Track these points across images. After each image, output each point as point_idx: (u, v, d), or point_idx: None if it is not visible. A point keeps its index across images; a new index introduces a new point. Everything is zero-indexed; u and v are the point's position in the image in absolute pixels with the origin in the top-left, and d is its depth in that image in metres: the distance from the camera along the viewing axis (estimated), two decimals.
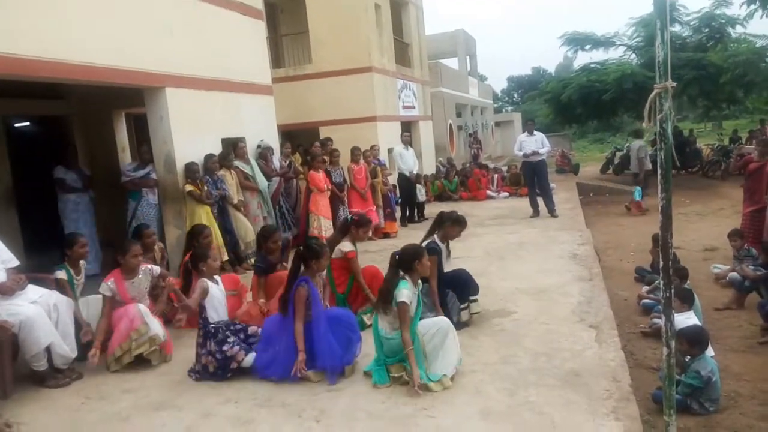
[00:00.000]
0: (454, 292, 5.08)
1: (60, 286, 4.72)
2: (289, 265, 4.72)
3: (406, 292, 3.89)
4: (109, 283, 4.59)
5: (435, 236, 5.16)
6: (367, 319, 5.02)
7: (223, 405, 3.86)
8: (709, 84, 16.02)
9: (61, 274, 4.76)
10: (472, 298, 5.14)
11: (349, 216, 5.85)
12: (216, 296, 4.41)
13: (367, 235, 5.71)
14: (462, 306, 5.05)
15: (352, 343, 4.25)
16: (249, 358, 4.23)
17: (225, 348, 4.22)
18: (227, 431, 3.52)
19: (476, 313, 5.17)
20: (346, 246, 5.27)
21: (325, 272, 4.62)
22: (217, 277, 4.60)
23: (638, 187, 12.97)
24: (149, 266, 4.93)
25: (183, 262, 5.56)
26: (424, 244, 4.85)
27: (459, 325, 4.80)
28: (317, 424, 3.51)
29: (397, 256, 4.16)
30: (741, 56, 15.32)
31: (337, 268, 5.27)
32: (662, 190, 2.71)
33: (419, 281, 4.18)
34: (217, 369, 4.22)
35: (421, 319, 4.11)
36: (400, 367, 3.95)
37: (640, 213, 12.29)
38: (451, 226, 5.19)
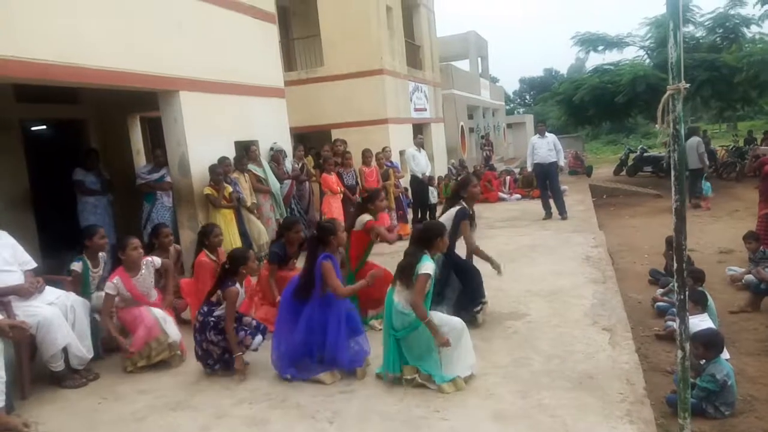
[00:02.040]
0: (464, 290, 5.09)
1: (72, 278, 4.80)
2: (300, 264, 4.77)
3: (429, 265, 3.94)
4: (114, 281, 4.58)
5: (462, 202, 5.23)
6: (378, 324, 5.01)
7: (237, 406, 3.89)
8: (723, 85, 15.84)
9: (76, 266, 4.84)
10: (484, 300, 5.13)
11: (360, 197, 5.87)
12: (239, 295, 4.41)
13: (384, 204, 5.70)
14: (476, 309, 5.05)
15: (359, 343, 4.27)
16: (257, 340, 4.36)
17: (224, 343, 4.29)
18: (242, 431, 3.55)
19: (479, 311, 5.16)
20: (365, 217, 5.34)
21: (342, 249, 4.73)
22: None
23: (708, 183, 12.92)
24: (149, 259, 4.91)
25: (196, 261, 5.58)
26: (454, 211, 5.03)
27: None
28: (330, 425, 3.53)
29: (419, 232, 4.23)
30: (755, 56, 15.14)
31: (354, 241, 5.30)
32: (676, 192, 2.70)
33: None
34: (218, 358, 4.33)
35: (432, 302, 4.14)
36: (411, 369, 3.95)
37: (706, 208, 12.33)
38: (474, 186, 5.27)
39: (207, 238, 5.71)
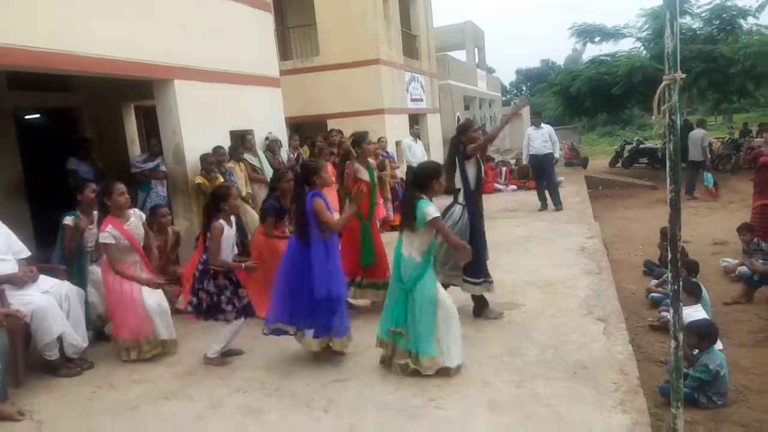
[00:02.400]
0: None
1: (66, 233, 4.77)
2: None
3: (431, 208, 3.84)
4: (108, 230, 4.47)
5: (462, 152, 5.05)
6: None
7: (232, 395, 3.90)
8: (720, 76, 15.85)
9: (68, 220, 4.82)
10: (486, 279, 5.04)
11: (349, 141, 5.82)
12: (227, 237, 4.36)
13: (372, 147, 5.63)
14: (476, 281, 4.95)
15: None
16: (236, 323, 4.39)
17: (222, 298, 4.32)
18: (237, 420, 3.56)
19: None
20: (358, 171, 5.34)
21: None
22: (233, 217, 4.51)
23: (709, 174, 13.05)
24: (135, 210, 4.84)
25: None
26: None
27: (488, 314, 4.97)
28: (326, 414, 3.54)
29: (413, 175, 4.18)
30: (752, 48, 15.13)
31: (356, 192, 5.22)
32: (671, 183, 2.70)
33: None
34: (209, 308, 4.34)
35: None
36: (404, 354, 3.94)
37: (712, 198, 12.60)
38: (474, 131, 5.11)
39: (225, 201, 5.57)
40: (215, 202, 4.40)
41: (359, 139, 5.44)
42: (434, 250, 4.10)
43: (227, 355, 4.58)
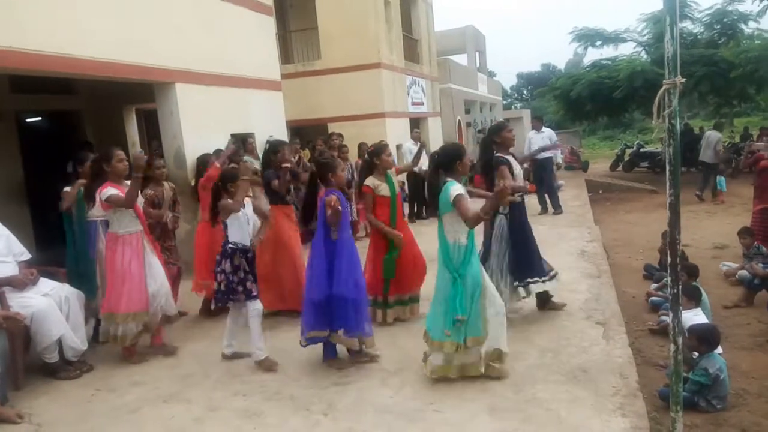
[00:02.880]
0: (516, 266, 4.91)
1: (64, 198, 4.82)
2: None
3: (457, 187, 3.75)
4: (108, 188, 4.41)
5: (495, 152, 4.97)
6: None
7: (231, 398, 3.90)
8: (721, 80, 15.86)
9: (67, 188, 4.85)
10: (531, 279, 4.96)
11: (368, 152, 5.64)
12: (240, 218, 4.32)
13: (391, 158, 5.28)
14: (519, 283, 4.90)
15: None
16: (254, 311, 4.32)
17: (235, 279, 4.28)
18: (235, 424, 3.56)
19: (524, 297, 5.05)
20: (366, 182, 5.16)
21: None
22: (246, 200, 4.44)
23: (722, 178, 13.09)
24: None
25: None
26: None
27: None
28: (325, 417, 3.54)
29: (436, 155, 4.07)
30: (753, 52, 15.15)
31: (376, 206, 5.11)
32: (670, 187, 2.70)
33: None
34: (226, 290, 4.31)
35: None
36: (475, 341, 3.81)
37: (720, 202, 12.58)
38: (508, 131, 5.03)
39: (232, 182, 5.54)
40: (223, 182, 4.37)
41: (378, 150, 5.21)
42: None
43: (235, 357, 4.53)
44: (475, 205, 3.81)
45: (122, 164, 4.55)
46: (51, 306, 4.23)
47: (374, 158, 5.17)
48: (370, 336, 4.22)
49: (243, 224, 4.38)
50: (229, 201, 4.26)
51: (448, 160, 3.93)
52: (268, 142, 8.88)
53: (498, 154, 4.98)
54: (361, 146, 9.79)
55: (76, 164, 4.99)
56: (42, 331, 4.16)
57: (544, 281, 5.01)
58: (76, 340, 4.39)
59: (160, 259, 4.83)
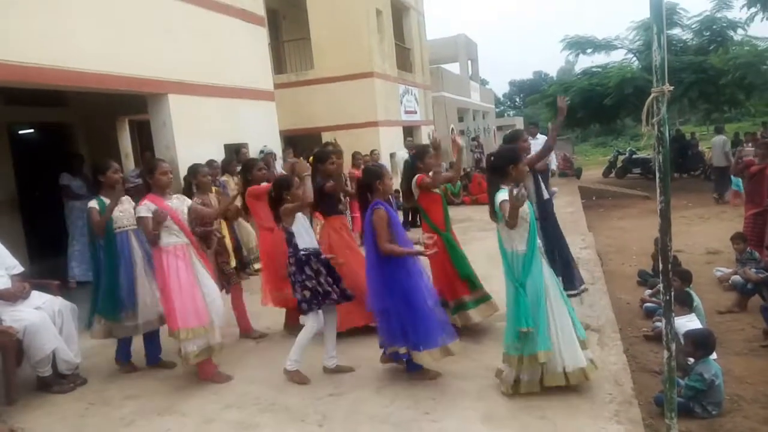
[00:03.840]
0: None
1: (91, 215, 4.48)
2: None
3: (501, 194, 3.66)
4: (145, 203, 4.19)
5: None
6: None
7: (225, 410, 3.88)
8: (710, 87, 16.03)
9: (92, 203, 4.52)
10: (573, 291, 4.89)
11: (410, 154, 5.40)
12: (302, 222, 4.21)
13: (438, 161, 5.02)
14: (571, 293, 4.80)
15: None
16: (311, 327, 4.15)
17: (324, 282, 4.12)
18: None
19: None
20: (419, 175, 4.91)
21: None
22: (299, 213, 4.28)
23: (738, 179, 13.07)
24: (179, 195, 4.60)
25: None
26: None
27: None
28: (320, 428, 3.52)
29: (491, 158, 3.96)
30: (741, 59, 15.33)
31: (425, 205, 4.93)
32: (661, 193, 2.73)
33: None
34: (311, 296, 4.10)
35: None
36: (536, 358, 3.61)
37: (737, 204, 12.38)
38: (524, 140, 4.98)
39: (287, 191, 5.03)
40: (277, 192, 4.23)
41: (422, 152, 5.01)
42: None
43: (338, 371, 4.31)
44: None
45: (165, 177, 4.31)
46: (44, 319, 4.20)
47: (419, 161, 4.98)
48: (456, 340, 4.02)
49: (308, 228, 4.28)
50: (288, 206, 4.12)
51: (501, 164, 3.80)
52: (262, 152, 8.89)
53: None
54: (355, 156, 9.80)
55: (97, 173, 4.63)
56: (35, 345, 4.13)
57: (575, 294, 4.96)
58: (70, 353, 4.35)
59: (212, 273, 4.55)
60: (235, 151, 8.26)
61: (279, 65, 14.66)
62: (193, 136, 7.44)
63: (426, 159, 4.91)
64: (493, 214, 3.79)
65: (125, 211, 4.58)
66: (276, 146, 9.49)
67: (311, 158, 5.27)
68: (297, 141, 13.29)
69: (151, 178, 4.30)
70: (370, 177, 4.12)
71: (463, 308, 4.81)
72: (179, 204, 4.41)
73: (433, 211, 4.90)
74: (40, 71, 5.35)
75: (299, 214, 4.23)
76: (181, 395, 4.18)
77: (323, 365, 4.31)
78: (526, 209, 3.66)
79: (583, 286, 5.14)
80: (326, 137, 12.93)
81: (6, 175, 8.03)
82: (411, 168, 5.01)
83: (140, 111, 7.97)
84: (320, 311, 4.18)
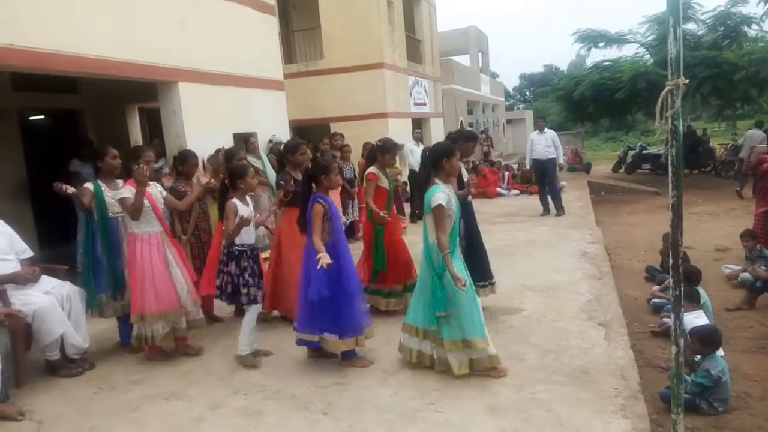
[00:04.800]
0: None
1: (82, 193, 4.58)
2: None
3: (440, 195, 3.80)
4: (128, 187, 4.39)
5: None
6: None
7: (232, 396, 3.90)
8: (723, 82, 15.85)
9: (88, 185, 4.67)
10: (492, 280, 5.12)
11: (375, 143, 5.63)
12: (243, 215, 4.27)
13: (394, 161, 5.58)
14: (480, 284, 4.94)
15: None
16: (251, 312, 4.36)
17: (242, 282, 4.27)
18: (236, 422, 3.56)
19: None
20: (370, 169, 5.30)
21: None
22: (248, 197, 4.48)
23: None
24: (155, 183, 4.77)
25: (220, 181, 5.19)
26: None
27: None
28: (325, 416, 3.54)
29: (427, 152, 4.13)
30: (756, 54, 15.15)
31: (376, 197, 5.25)
32: (673, 188, 2.70)
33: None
34: (231, 293, 4.30)
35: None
36: (454, 344, 3.86)
37: None
38: (464, 142, 5.07)
39: (230, 161, 5.30)
40: (231, 180, 4.39)
41: (388, 147, 5.34)
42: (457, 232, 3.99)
43: (256, 355, 4.50)
44: None
45: (149, 165, 4.47)
46: (53, 304, 4.24)
47: (379, 154, 5.36)
48: (370, 326, 4.28)
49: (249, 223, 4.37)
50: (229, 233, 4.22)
51: (436, 158, 3.98)
52: (270, 141, 8.89)
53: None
54: (365, 146, 9.78)
55: (96, 159, 4.77)
56: (44, 329, 4.17)
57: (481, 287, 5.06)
58: (78, 337, 4.39)
59: (184, 262, 4.76)
60: (243, 140, 8.26)
61: (289, 55, 14.63)
62: (202, 124, 7.44)
63: (386, 156, 5.30)
64: (422, 206, 3.98)
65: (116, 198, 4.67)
66: (285, 136, 9.48)
67: (318, 146, 5.45)
68: (306, 131, 13.28)
69: (135, 164, 4.44)
70: (317, 170, 4.17)
71: (374, 293, 5.25)
72: (157, 192, 4.63)
73: (376, 204, 5.21)
74: (52, 57, 5.36)
75: (243, 208, 4.31)
76: (188, 381, 4.20)
77: (244, 352, 4.40)
78: (453, 206, 3.87)
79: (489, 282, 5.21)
80: (335, 128, 12.91)
81: (16, 161, 8.07)
82: (371, 159, 5.41)
83: (150, 99, 7.99)
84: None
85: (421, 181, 4.11)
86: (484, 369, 3.91)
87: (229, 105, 8.11)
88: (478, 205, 12.30)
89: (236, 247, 4.29)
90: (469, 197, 5.13)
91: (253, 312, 4.38)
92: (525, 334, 4.69)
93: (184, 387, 4.10)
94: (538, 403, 3.52)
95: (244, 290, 4.29)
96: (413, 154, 11.33)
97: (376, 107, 13.72)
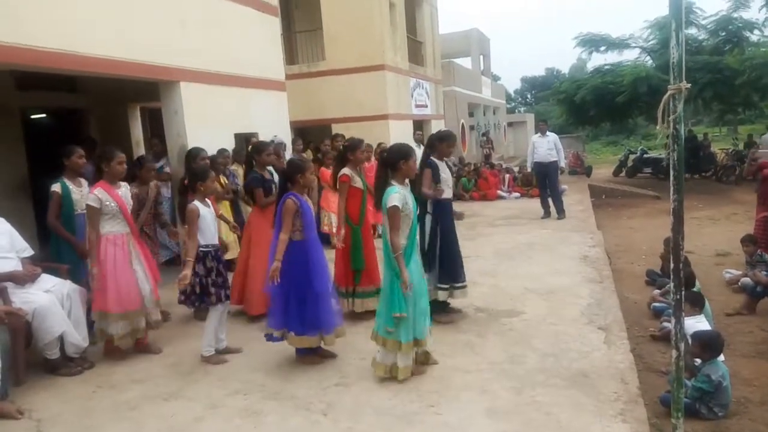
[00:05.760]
0: (442, 267, 5.04)
1: (53, 199, 4.84)
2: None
3: (395, 196, 3.84)
4: (96, 192, 4.46)
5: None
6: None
7: (231, 396, 3.90)
8: (725, 87, 15.86)
9: (55, 187, 4.90)
10: (458, 284, 5.10)
11: (342, 145, 5.77)
12: (206, 218, 4.38)
13: (365, 156, 5.74)
14: (442, 286, 5.03)
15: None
16: (216, 312, 4.43)
17: (210, 282, 4.34)
18: (236, 422, 3.56)
19: (453, 303, 5.23)
20: (343, 171, 5.32)
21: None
22: (208, 200, 4.56)
23: None
24: (125, 183, 4.85)
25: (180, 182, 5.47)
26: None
27: (447, 312, 5.03)
28: (324, 417, 3.54)
29: (384, 154, 4.19)
30: (758, 59, 15.16)
31: (348, 197, 5.30)
32: (674, 192, 2.70)
33: (408, 184, 4.13)
34: (199, 293, 4.35)
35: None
36: (408, 346, 3.91)
37: None
38: (440, 143, 5.14)
39: (193, 160, 5.48)
40: (192, 182, 4.47)
41: (354, 145, 5.40)
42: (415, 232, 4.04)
43: (225, 352, 4.59)
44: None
45: (121, 167, 4.63)
46: (53, 302, 4.24)
47: (348, 153, 5.39)
48: (341, 325, 4.35)
49: (211, 224, 4.44)
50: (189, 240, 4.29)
51: (393, 159, 4.01)
52: (272, 141, 8.88)
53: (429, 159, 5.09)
54: (366, 147, 9.77)
55: (62, 157, 5.00)
56: (43, 327, 4.17)
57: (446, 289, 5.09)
58: (78, 336, 4.39)
59: (149, 263, 4.82)
60: (245, 140, 8.26)
61: (291, 56, 14.64)
62: (204, 124, 7.44)
63: (357, 152, 5.32)
64: (379, 205, 3.98)
65: (86, 195, 4.75)
66: (286, 137, 9.48)
67: (320, 146, 5.56)
68: (307, 132, 13.28)
69: (107, 165, 4.57)
70: (292, 170, 4.22)
71: (351, 296, 5.25)
72: (125, 192, 4.72)
73: (350, 204, 5.28)
74: (54, 56, 5.36)
75: (205, 211, 4.38)
76: (187, 381, 4.20)
77: (209, 353, 4.47)
78: (410, 207, 3.91)
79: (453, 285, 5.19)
80: (336, 129, 12.91)
81: (18, 160, 8.07)
82: (341, 160, 5.47)
83: (152, 98, 7.99)
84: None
85: (377, 179, 4.11)
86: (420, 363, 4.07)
87: (230, 105, 8.11)
88: (479, 208, 12.42)
89: (200, 249, 4.34)
90: (445, 196, 5.09)
91: (216, 313, 4.44)
92: (525, 337, 4.69)
93: (183, 387, 4.10)
94: (537, 406, 3.52)
95: (212, 290, 4.35)
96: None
97: (377, 109, 13.71)
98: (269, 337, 4.29)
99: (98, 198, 4.45)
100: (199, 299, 4.42)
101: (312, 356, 4.37)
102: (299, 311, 4.12)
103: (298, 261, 4.09)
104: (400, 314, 3.81)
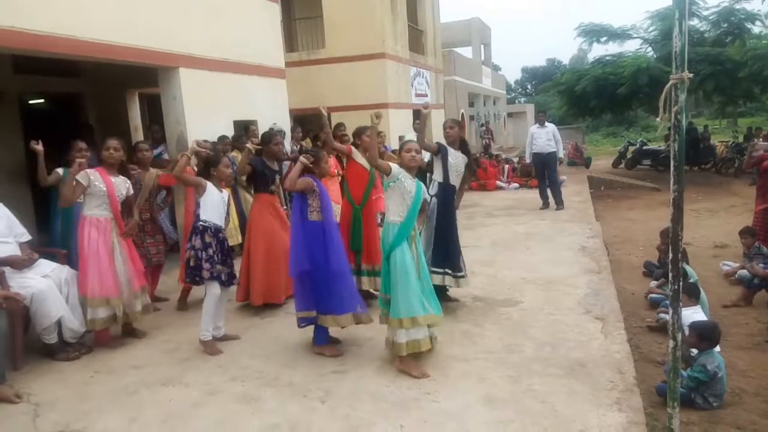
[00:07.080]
0: (436, 248, 5.07)
1: (53, 180, 5.09)
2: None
3: (397, 168, 3.97)
4: (88, 171, 4.47)
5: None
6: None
7: (229, 383, 3.91)
8: (726, 79, 15.80)
9: (58, 170, 5.10)
10: (459, 273, 5.12)
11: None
12: (214, 199, 4.42)
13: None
14: (436, 270, 5.02)
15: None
16: (212, 293, 4.41)
17: (204, 256, 4.35)
18: (233, 408, 3.57)
19: (450, 293, 5.25)
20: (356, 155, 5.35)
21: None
22: (225, 190, 4.61)
23: None
24: (126, 179, 4.84)
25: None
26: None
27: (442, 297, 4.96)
28: (322, 404, 3.55)
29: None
30: (759, 51, 15.10)
31: (351, 177, 5.34)
32: (674, 182, 2.70)
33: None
34: (194, 266, 4.37)
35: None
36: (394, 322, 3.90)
37: None
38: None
39: (215, 167, 5.47)
40: (206, 168, 4.55)
41: (359, 131, 5.50)
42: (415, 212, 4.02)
43: (223, 340, 4.58)
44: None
45: (118, 154, 4.64)
46: (51, 287, 4.24)
47: (356, 138, 5.52)
48: (366, 312, 4.29)
49: (218, 205, 4.47)
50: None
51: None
52: (271, 129, 8.85)
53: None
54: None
55: (66, 155, 5.15)
56: (41, 312, 4.17)
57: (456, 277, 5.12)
58: (75, 321, 4.40)
59: (131, 254, 4.76)
60: (244, 127, 8.24)
61: (290, 43, 14.56)
62: (203, 111, 7.42)
63: (363, 137, 5.34)
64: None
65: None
66: (285, 124, 9.46)
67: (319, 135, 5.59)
68: (306, 120, 13.23)
69: (100, 154, 4.68)
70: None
71: (370, 274, 5.25)
72: (122, 183, 4.70)
73: (355, 184, 5.30)
74: (52, 40, 5.33)
75: (214, 191, 4.44)
76: (185, 366, 4.22)
77: (206, 337, 4.45)
78: (409, 188, 3.93)
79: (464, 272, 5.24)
80: (335, 117, 12.85)
81: (16, 144, 8.04)
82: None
83: (151, 84, 7.94)
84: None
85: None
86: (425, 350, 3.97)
87: (229, 92, 8.07)
88: (478, 198, 12.41)
89: (200, 223, 4.38)
90: (451, 182, 5.18)
91: (213, 294, 4.41)
92: (523, 326, 4.71)
93: (181, 373, 4.11)
94: (533, 394, 3.54)
95: (206, 265, 4.34)
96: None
97: (377, 97, 13.66)
98: (303, 321, 4.25)
99: (87, 176, 4.45)
100: (193, 272, 4.39)
101: (330, 347, 4.32)
102: (317, 291, 4.14)
103: (317, 241, 4.13)
104: (385, 295, 3.94)
